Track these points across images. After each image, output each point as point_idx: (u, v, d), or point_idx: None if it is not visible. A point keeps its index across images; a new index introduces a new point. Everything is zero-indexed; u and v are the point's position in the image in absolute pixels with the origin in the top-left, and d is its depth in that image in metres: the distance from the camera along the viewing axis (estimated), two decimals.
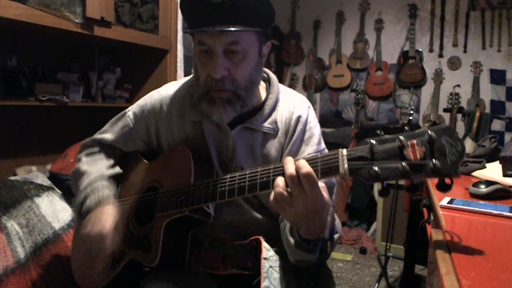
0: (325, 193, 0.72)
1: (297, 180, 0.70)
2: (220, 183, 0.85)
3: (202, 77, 0.90)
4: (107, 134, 1.10)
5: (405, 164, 0.63)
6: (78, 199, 0.98)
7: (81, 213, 0.96)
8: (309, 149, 0.98)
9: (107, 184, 1.01)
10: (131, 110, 1.08)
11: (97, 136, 1.12)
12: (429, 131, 0.63)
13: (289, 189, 0.71)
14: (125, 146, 1.10)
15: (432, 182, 1.20)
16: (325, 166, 0.71)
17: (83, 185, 1.00)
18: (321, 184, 0.72)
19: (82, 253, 1.02)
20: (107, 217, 0.91)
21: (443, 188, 0.63)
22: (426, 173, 0.62)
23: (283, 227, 0.90)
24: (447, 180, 0.63)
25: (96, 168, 1.04)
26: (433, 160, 0.62)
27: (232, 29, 0.82)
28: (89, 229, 0.90)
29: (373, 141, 0.67)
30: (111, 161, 1.09)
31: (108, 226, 0.89)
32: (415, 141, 0.64)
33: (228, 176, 0.84)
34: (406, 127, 0.68)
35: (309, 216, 0.71)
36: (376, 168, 0.65)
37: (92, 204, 0.94)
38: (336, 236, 0.83)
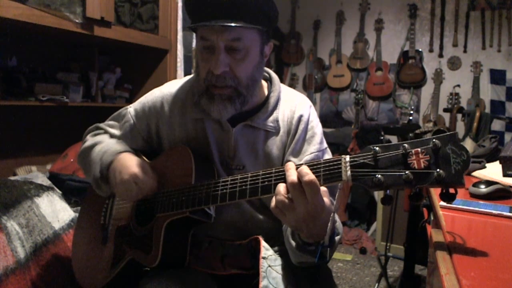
0: (325, 197, 0.72)
1: (299, 187, 0.69)
2: (221, 185, 0.84)
3: (203, 73, 0.90)
4: (109, 128, 1.11)
5: (408, 173, 0.62)
6: (94, 167, 1.00)
7: (102, 173, 0.97)
8: (311, 148, 0.98)
9: (118, 141, 1.05)
10: (132, 107, 1.08)
11: (100, 125, 1.15)
12: (433, 139, 0.62)
13: (290, 195, 0.71)
14: (125, 142, 1.10)
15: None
16: (327, 173, 0.70)
17: (95, 152, 1.02)
18: (323, 188, 0.72)
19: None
20: (129, 162, 0.93)
21: (447, 197, 0.62)
22: (430, 182, 0.61)
23: (285, 229, 0.90)
24: (451, 190, 0.62)
25: (102, 137, 1.09)
26: (438, 169, 0.61)
27: (233, 24, 0.82)
28: (120, 178, 0.91)
29: (377, 148, 0.66)
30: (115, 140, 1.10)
31: (134, 166, 0.92)
32: (419, 149, 0.63)
33: (230, 178, 0.84)
34: (410, 134, 0.67)
35: (309, 220, 0.71)
36: (379, 176, 0.64)
37: (109, 159, 0.96)
38: (337, 238, 0.83)
